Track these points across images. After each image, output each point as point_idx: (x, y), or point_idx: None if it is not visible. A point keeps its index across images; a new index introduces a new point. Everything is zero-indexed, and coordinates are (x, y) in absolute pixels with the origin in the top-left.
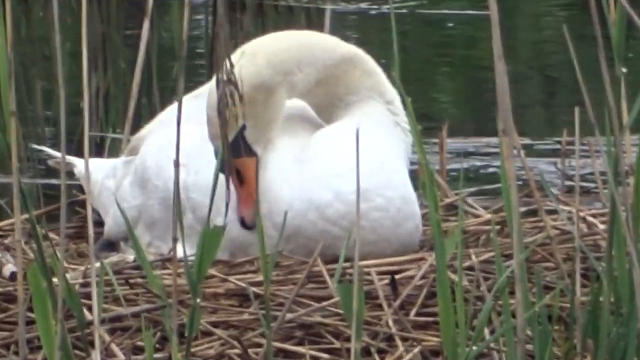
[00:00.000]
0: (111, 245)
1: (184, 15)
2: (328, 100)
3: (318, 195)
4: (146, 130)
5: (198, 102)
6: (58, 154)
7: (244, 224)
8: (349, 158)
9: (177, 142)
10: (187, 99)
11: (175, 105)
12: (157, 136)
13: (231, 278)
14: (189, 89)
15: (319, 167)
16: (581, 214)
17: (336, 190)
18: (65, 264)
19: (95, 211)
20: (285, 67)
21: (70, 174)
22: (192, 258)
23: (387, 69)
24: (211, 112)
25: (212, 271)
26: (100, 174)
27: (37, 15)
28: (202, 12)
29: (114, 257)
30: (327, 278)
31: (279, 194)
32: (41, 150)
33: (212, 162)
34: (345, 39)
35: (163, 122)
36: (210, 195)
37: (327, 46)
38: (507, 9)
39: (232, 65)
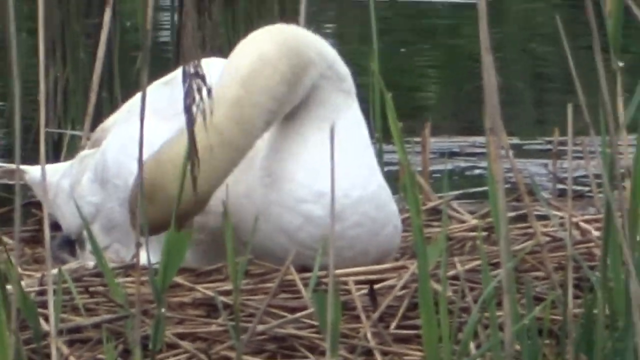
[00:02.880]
0: (71, 244)
1: (148, 3)
2: None
3: (293, 219)
4: (111, 120)
5: (168, 90)
6: (7, 165)
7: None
8: (315, 179)
9: (140, 139)
10: (156, 85)
11: (150, 89)
12: (120, 130)
13: (198, 287)
14: (152, 82)
15: (293, 187)
16: (574, 219)
17: (309, 214)
18: (20, 270)
19: (52, 216)
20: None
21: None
22: (157, 265)
23: (365, 60)
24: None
25: (178, 279)
26: (55, 177)
27: None
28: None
29: (73, 264)
30: (301, 287)
31: (247, 217)
32: None
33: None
34: (322, 29)
35: (130, 112)
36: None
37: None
38: None
39: (199, 56)
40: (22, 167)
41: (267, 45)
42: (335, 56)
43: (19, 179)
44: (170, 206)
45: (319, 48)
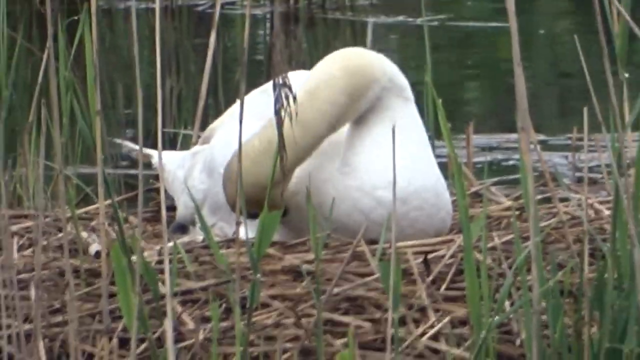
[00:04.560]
0: (183, 228)
1: (245, 27)
2: None
3: (365, 202)
4: (218, 122)
5: (265, 97)
6: (137, 147)
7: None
8: (387, 170)
9: (239, 137)
10: (255, 93)
11: (244, 100)
12: (225, 130)
13: (287, 257)
14: (249, 91)
15: (365, 176)
16: (589, 201)
17: (380, 199)
18: (143, 244)
19: (169, 197)
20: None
21: (149, 165)
22: (253, 239)
23: (420, 74)
24: (228, 182)
25: (270, 251)
26: (173, 165)
27: (119, 27)
28: (261, 24)
29: (186, 238)
30: (369, 257)
31: (325, 196)
32: (123, 144)
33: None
34: (386, 48)
35: (233, 116)
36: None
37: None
38: (524, 19)
39: (286, 70)
40: (149, 151)
41: (335, 66)
42: (395, 71)
43: (142, 169)
44: (246, 189)
45: (381, 66)
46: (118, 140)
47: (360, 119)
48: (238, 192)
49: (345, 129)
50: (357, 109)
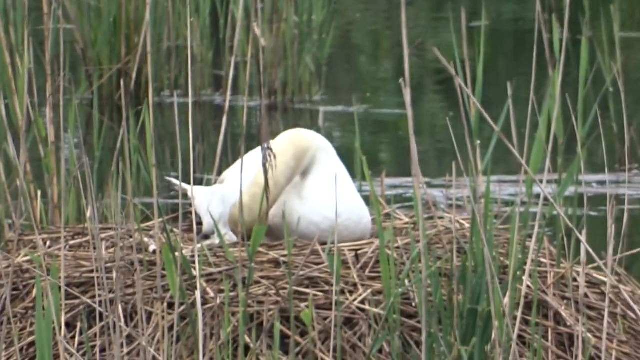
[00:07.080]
0: (206, 236)
1: (244, 113)
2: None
3: (316, 219)
4: (228, 171)
5: (258, 154)
6: (177, 182)
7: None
8: (329, 197)
9: (240, 183)
10: (252, 152)
11: (244, 157)
12: (232, 176)
13: (270, 252)
14: (247, 152)
15: (314, 203)
16: (456, 218)
17: (325, 216)
18: (182, 245)
19: (198, 217)
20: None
21: (185, 196)
22: (249, 242)
23: (352, 142)
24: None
25: (260, 249)
26: (201, 197)
27: (167, 113)
28: (254, 111)
29: (208, 242)
30: (322, 253)
31: (293, 217)
32: (170, 181)
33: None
34: (331, 127)
35: (237, 166)
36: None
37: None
38: (418, 107)
39: (270, 138)
40: (186, 186)
41: (284, 143)
42: (322, 139)
43: (181, 200)
44: (247, 223)
45: (313, 137)
46: (167, 178)
47: (305, 171)
48: (240, 229)
49: (297, 178)
50: (302, 165)
